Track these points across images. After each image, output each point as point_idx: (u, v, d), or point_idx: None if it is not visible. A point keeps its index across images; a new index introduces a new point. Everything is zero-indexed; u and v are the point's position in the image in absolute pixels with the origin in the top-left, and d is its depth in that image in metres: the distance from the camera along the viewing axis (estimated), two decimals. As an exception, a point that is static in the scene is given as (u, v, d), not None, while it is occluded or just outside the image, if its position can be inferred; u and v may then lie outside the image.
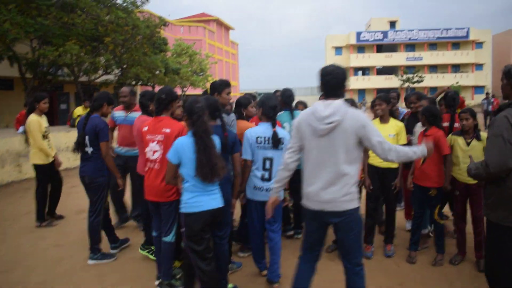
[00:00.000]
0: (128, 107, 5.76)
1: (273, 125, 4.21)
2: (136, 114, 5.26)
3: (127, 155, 5.76)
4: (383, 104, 4.95)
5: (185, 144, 3.51)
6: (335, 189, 3.08)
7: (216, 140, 3.64)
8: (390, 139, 4.84)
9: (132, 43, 18.35)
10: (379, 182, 4.98)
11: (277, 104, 4.29)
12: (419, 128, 5.13)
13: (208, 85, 33.35)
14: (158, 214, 4.17)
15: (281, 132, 4.24)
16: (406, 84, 48.68)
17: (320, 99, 3.29)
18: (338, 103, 3.08)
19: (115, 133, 6.12)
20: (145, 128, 4.09)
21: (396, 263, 4.83)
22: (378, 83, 55.34)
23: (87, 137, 4.79)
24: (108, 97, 5.02)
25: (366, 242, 5.07)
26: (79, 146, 4.87)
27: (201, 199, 3.54)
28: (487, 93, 23.11)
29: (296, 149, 3.31)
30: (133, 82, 24.42)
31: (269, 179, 4.16)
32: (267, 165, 4.18)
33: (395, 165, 4.89)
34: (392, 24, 60.01)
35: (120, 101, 5.77)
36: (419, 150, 3.24)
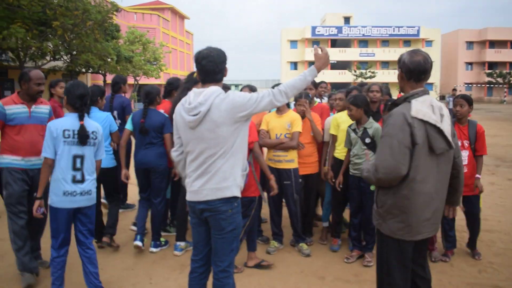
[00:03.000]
0: (35, 98, 4.21)
1: (81, 117, 3.59)
2: (44, 108, 4.28)
3: (35, 168, 4.15)
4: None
5: None
6: (204, 181, 2.85)
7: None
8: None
9: (83, 29, 17.61)
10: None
11: (86, 93, 3.65)
12: None
13: (162, 74, 32.71)
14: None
15: (92, 126, 3.68)
16: (359, 79, 49.71)
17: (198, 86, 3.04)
18: (210, 90, 2.80)
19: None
20: None
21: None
22: (332, 78, 56.13)
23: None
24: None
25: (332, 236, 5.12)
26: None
27: None
28: (453, 89, 20.21)
29: (178, 142, 3.06)
30: (83, 70, 23.58)
31: (82, 181, 3.57)
32: (78, 164, 3.57)
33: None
34: (347, 20, 61.03)
35: (36, 89, 4.13)
36: (308, 71, 2.91)
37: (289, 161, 4.81)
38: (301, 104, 4.93)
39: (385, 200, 2.80)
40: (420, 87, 2.80)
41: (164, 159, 4.84)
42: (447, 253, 4.78)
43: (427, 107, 2.70)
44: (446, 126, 2.73)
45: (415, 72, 2.77)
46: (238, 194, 2.92)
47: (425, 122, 2.65)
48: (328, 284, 4.17)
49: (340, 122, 4.95)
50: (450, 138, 2.73)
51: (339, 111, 5.24)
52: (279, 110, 4.88)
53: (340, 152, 4.93)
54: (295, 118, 4.82)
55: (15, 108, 4.05)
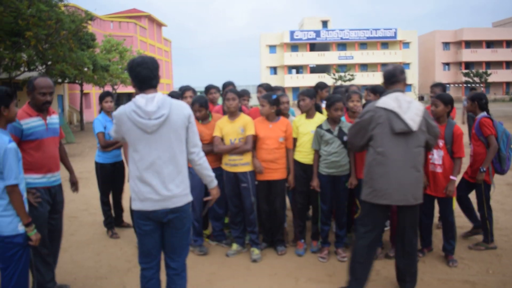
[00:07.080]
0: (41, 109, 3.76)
1: None
2: (55, 118, 3.90)
3: (56, 184, 3.90)
4: (307, 99, 4.91)
5: None
6: (175, 185, 2.97)
7: None
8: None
9: (57, 38, 17.37)
10: (305, 179, 4.89)
11: None
12: None
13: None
14: None
15: None
16: (339, 82, 50.14)
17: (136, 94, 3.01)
18: (160, 95, 2.93)
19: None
20: None
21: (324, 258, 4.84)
22: (312, 81, 56.46)
23: None
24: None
25: (298, 239, 5.06)
26: None
27: None
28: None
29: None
30: (59, 80, 23.29)
31: None
32: None
33: None
34: (324, 23, 61.55)
35: (41, 100, 3.66)
36: (213, 181, 3.30)
37: (245, 164, 4.82)
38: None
39: (364, 172, 3.79)
40: (395, 87, 3.76)
41: None
42: (422, 250, 4.84)
43: (392, 100, 3.65)
44: (409, 113, 3.58)
45: (386, 77, 3.84)
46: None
47: (385, 109, 3.62)
48: (301, 286, 4.18)
49: (298, 125, 4.93)
50: (408, 121, 3.55)
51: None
52: (231, 116, 4.88)
53: (300, 154, 4.91)
54: (248, 121, 4.83)
55: (31, 121, 3.62)
